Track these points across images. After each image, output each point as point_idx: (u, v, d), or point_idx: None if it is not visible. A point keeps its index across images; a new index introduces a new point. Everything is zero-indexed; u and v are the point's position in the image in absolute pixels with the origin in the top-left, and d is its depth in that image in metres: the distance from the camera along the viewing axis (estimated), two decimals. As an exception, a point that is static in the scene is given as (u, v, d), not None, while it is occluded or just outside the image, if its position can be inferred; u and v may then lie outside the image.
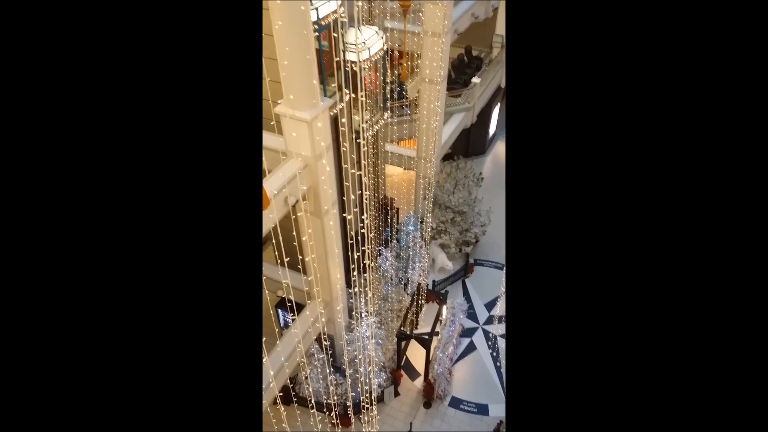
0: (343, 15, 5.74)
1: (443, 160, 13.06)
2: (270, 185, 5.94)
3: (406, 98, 12.82)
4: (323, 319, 8.02)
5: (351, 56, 6.11)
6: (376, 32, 6.46)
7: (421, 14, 8.94)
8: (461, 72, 13.92)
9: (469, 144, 14.57)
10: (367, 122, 6.79)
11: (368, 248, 5.38)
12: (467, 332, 10.70)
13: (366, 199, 5.77)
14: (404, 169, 11.94)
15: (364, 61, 6.13)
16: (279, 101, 5.92)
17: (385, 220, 10.68)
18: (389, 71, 9.44)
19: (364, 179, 5.94)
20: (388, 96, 7.68)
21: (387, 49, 6.84)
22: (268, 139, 6.45)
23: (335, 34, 5.95)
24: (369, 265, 5.81)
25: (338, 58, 5.93)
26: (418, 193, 11.53)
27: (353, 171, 6.01)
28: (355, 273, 6.69)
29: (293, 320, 7.40)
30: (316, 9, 5.50)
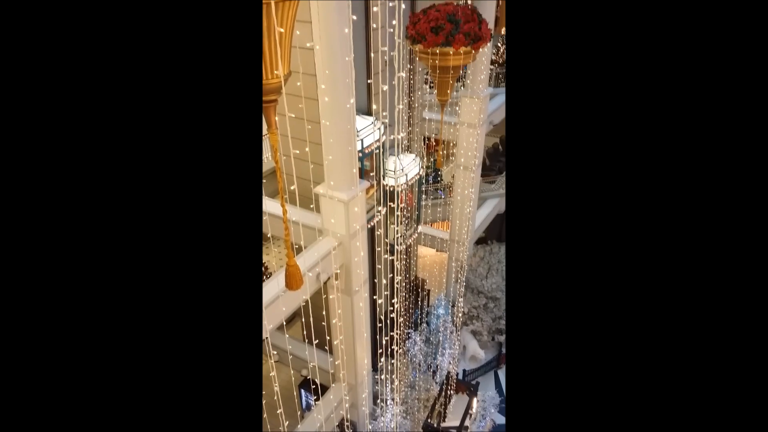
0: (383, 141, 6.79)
1: (476, 243, 13.05)
2: (304, 262, 6.10)
3: (441, 181, 13.20)
4: (347, 405, 7.71)
5: (390, 181, 7.15)
6: (414, 159, 7.48)
7: (457, 108, 9.50)
8: (496, 160, 14.34)
9: (503, 229, 14.59)
10: (401, 236, 7.64)
11: (397, 334, 5.30)
12: (499, 429, 9.94)
13: (397, 284, 5.81)
14: (437, 250, 11.97)
15: (401, 185, 7.22)
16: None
17: (416, 302, 10.53)
18: (426, 158, 9.97)
19: (396, 264, 6.04)
20: (422, 213, 8.93)
21: (422, 173, 8.09)
22: (306, 216, 6.74)
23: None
24: (397, 351, 5.69)
25: (377, 180, 6.99)
26: (450, 276, 11.43)
27: (386, 256, 6.13)
28: (383, 358, 6.53)
29: (316, 403, 7.16)
30: (362, 140, 6.52)
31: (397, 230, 7.43)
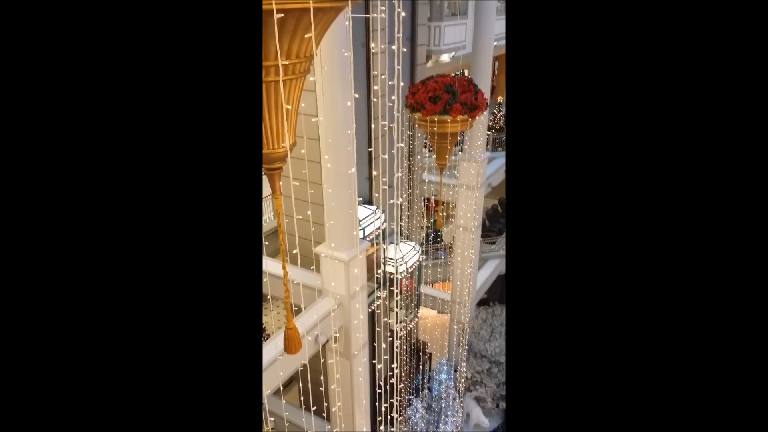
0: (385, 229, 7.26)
1: (479, 305, 12.87)
2: (303, 324, 6.02)
3: (441, 242, 13.27)
4: (344, 478, 7.27)
5: (390, 269, 7.60)
6: (413, 247, 8.04)
7: (456, 171, 9.78)
8: (496, 221, 14.50)
9: (505, 290, 14.44)
10: (401, 322, 8.01)
11: (397, 400, 5.13)
12: (506, 508, 9.28)
13: (397, 348, 5.72)
14: (438, 312, 11.79)
15: (401, 272, 7.73)
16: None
17: (417, 366, 10.22)
18: (426, 219, 10.14)
19: (396, 327, 5.98)
20: (421, 298, 9.44)
21: (421, 261, 8.57)
22: (307, 276, 6.74)
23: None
24: (397, 419, 5.48)
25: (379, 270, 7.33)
26: (452, 339, 11.18)
27: (385, 319, 6.09)
28: (382, 426, 6.26)
29: (311, 477, 6.75)
30: (363, 229, 6.97)
31: (398, 316, 7.68)
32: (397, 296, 7.55)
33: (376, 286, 7.21)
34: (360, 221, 6.60)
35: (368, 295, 7.09)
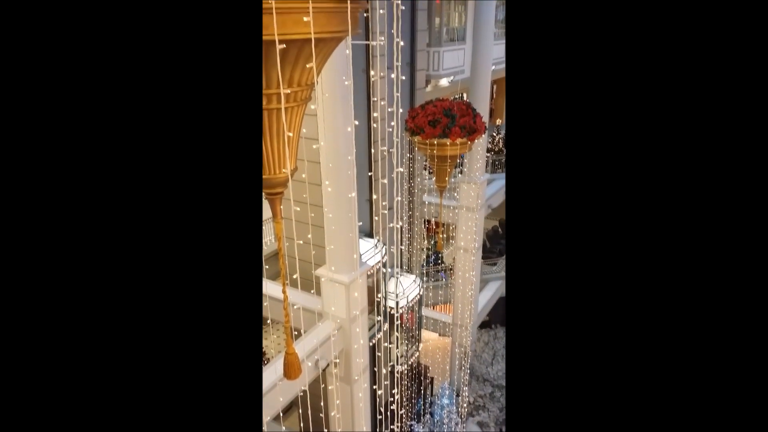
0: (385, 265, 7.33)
1: (480, 327, 12.74)
2: (303, 348, 5.96)
3: (442, 263, 13.22)
4: None
5: (390, 303, 7.66)
6: (414, 280, 8.10)
7: (456, 193, 9.84)
8: (496, 242, 14.49)
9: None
10: (403, 356, 8.09)
11: (398, 427, 5.04)
12: None
13: (398, 373, 5.65)
14: (439, 335, 11.67)
15: (402, 306, 7.81)
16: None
17: (418, 390, 10.05)
18: (426, 241, 10.17)
19: (396, 352, 5.93)
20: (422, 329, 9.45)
21: (422, 295, 8.59)
22: (307, 299, 6.71)
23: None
24: (398, 446, 5.37)
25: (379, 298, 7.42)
26: (453, 363, 11.03)
27: (386, 344, 6.03)
28: (383, 453, 6.13)
29: (311, 507, 6.56)
30: (365, 262, 7.04)
31: (398, 351, 7.70)
32: (397, 332, 7.52)
33: (376, 318, 7.19)
34: (361, 255, 6.65)
35: (369, 329, 7.04)
